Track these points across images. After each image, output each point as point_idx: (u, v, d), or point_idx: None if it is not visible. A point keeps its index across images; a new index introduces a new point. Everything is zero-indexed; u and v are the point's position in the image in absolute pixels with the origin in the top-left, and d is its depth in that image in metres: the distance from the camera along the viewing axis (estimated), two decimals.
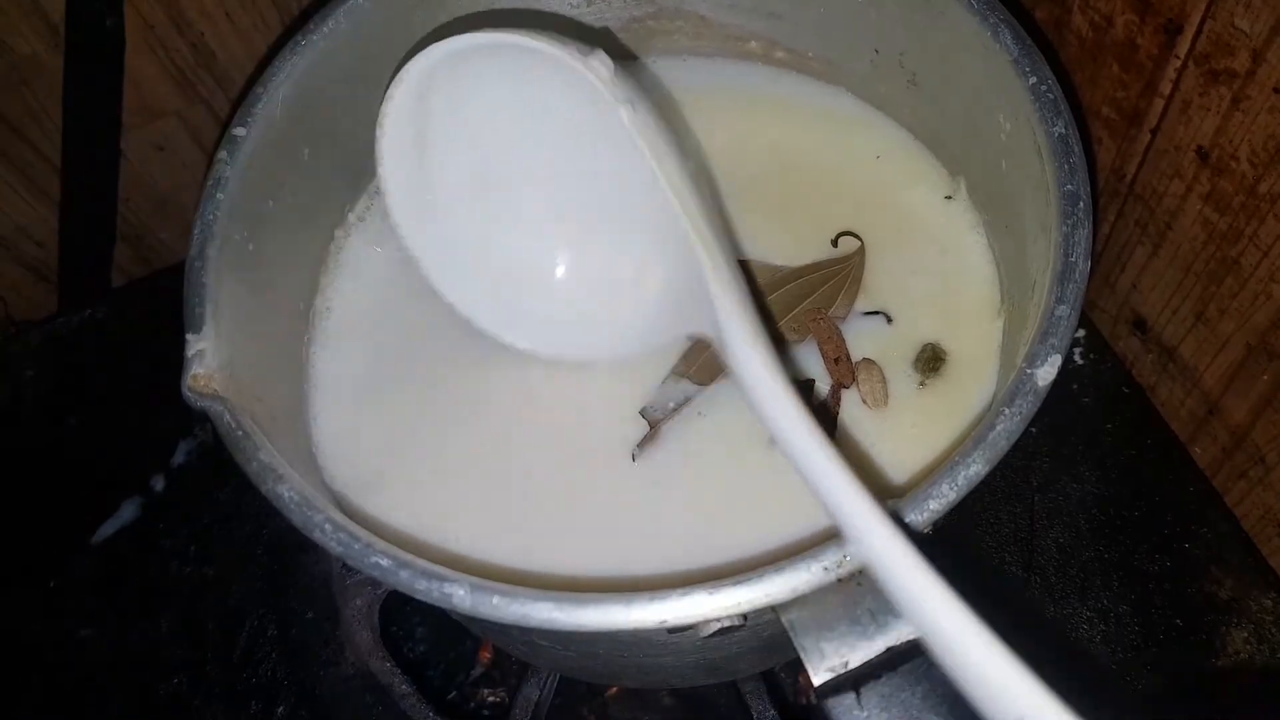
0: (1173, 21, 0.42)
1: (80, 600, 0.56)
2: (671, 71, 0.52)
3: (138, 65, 0.55)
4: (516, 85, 0.39)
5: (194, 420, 0.59)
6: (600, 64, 0.36)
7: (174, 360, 0.35)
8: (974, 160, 0.45)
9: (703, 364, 0.43)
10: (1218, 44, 0.40)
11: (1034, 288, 0.37)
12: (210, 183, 0.38)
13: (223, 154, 0.39)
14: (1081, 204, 0.35)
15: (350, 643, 0.51)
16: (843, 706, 0.28)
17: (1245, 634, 0.50)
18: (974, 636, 0.23)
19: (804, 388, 0.42)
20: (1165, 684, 0.49)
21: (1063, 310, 0.33)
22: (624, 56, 0.52)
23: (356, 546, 0.31)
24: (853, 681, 0.28)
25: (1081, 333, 0.58)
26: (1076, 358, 0.58)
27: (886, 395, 0.42)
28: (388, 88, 0.39)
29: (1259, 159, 0.41)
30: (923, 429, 0.41)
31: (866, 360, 0.43)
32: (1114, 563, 0.52)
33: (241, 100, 0.40)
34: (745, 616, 0.29)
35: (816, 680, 0.29)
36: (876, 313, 0.44)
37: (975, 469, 0.31)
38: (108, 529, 0.57)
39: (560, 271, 0.44)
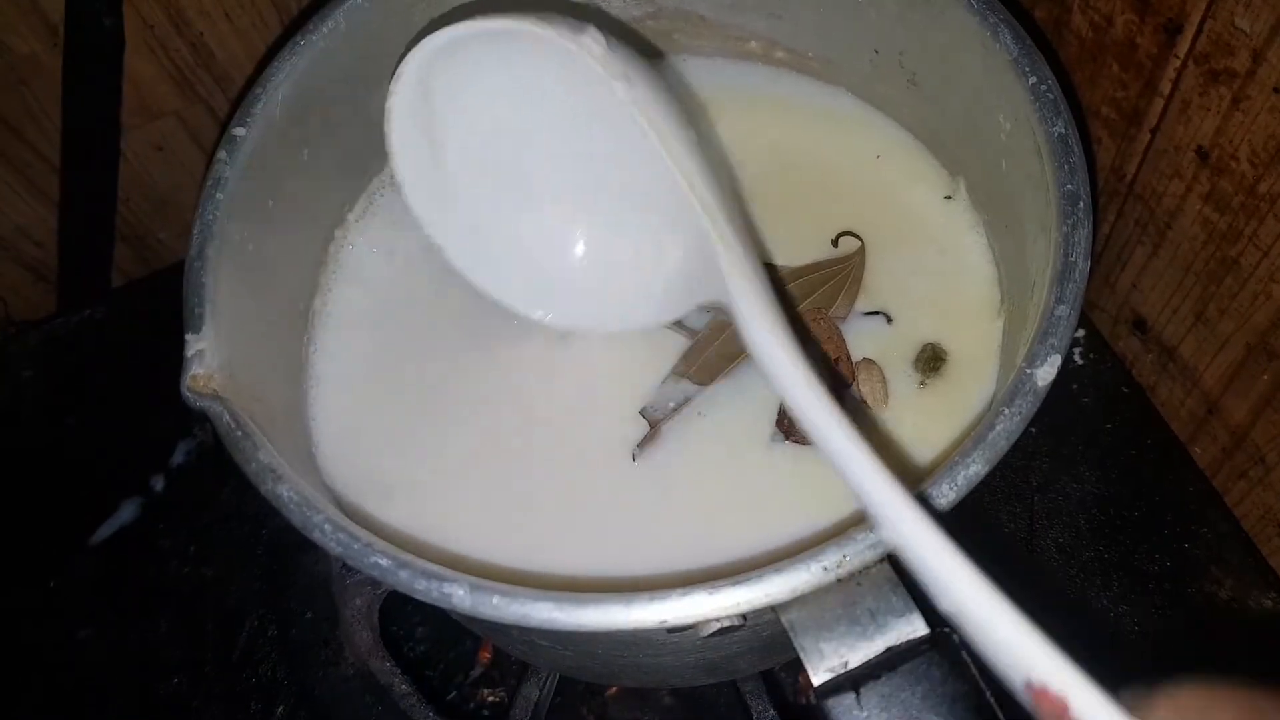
0: (1172, 21, 0.42)
1: (80, 600, 0.56)
2: (671, 71, 0.52)
3: (137, 65, 0.55)
4: (513, 70, 0.39)
5: (193, 420, 0.59)
6: (592, 40, 0.36)
7: (173, 360, 0.35)
8: (974, 160, 0.45)
9: (703, 364, 0.43)
10: (1218, 44, 0.40)
11: (1034, 287, 0.37)
12: (209, 183, 0.38)
13: (222, 154, 0.39)
14: (1081, 204, 0.35)
15: (350, 643, 0.51)
16: (842, 707, 0.28)
17: (1244, 631, 0.50)
18: (1001, 613, 0.24)
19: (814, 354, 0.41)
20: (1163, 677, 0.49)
21: (1062, 310, 0.33)
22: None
23: (356, 546, 0.31)
24: (852, 681, 0.28)
25: (1081, 333, 0.58)
26: (1076, 358, 0.58)
27: (887, 395, 0.42)
28: (390, 84, 0.39)
29: (1259, 159, 0.41)
30: (923, 429, 0.41)
31: (866, 360, 0.43)
32: (1114, 563, 0.52)
33: (241, 100, 0.40)
34: (745, 616, 0.29)
35: (816, 680, 0.29)
36: (876, 313, 0.44)
37: (975, 469, 0.31)
38: (107, 529, 0.57)
39: (580, 247, 0.44)
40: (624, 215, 0.42)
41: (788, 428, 0.41)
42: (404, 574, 0.30)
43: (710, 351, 0.43)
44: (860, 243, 0.46)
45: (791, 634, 0.29)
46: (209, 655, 0.54)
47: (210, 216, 0.38)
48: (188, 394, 0.34)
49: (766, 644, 0.38)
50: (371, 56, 0.44)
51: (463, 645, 0.54)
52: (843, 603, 0.29)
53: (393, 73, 0.39)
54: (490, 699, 0.53)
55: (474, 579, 0.30)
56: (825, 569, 0.29)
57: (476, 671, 0.53)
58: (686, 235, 0.38)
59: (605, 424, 0.42)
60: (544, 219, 0.43)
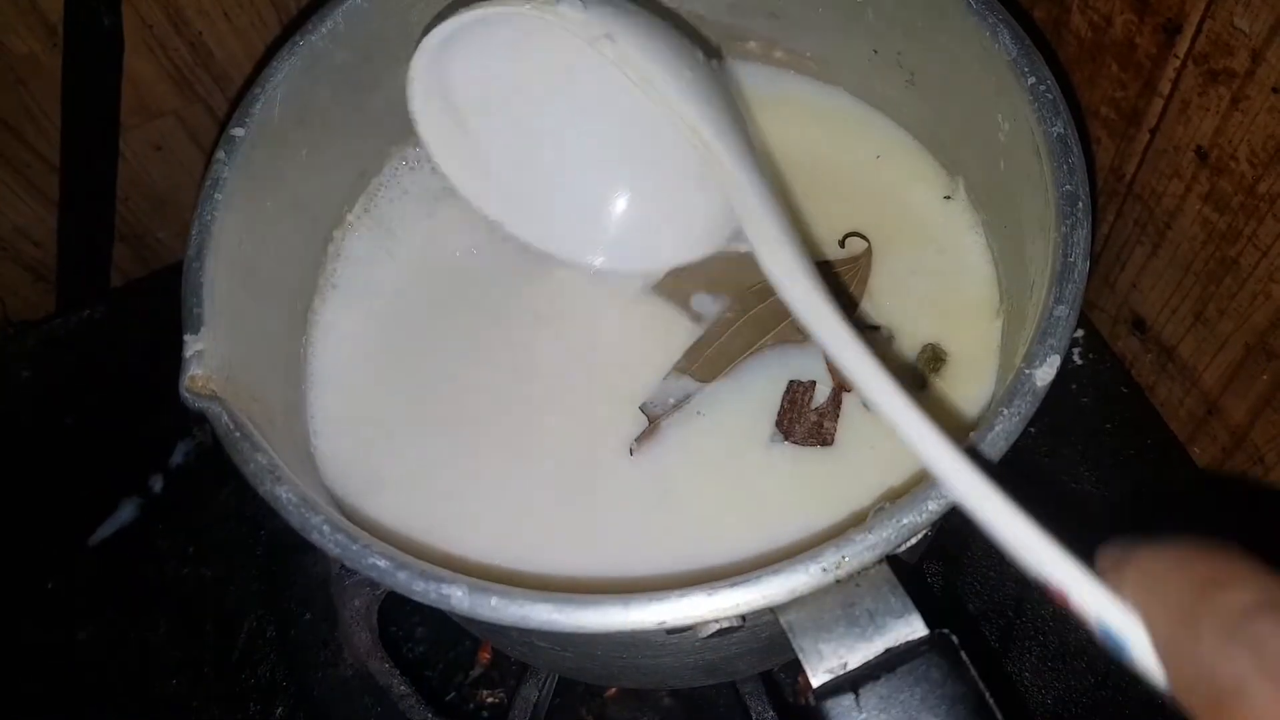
0: (1171, 21, 0.42)
1: (78, 601, 0.55)
2: None
3: (136, 65, 0.55)
4: (514, 49, 0.41)
5: (192, 421, 0.59)
6: (567, 7, 0.37)
7: (172, 361, 0.34)
8: (973, 160, 0.45)
9: (705, 361, 0.43)
10: (1217, 44, 0.40)
11: (1033, 287, 0.37)
12: (208, 183, 0.38)
13: (221, 154, 0.39)
14: (1080, 204, 0.35)
15: (349, 644, 0.51)
16: (841, 708, 0.28)
17: None
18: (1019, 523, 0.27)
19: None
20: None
21: (1061, 310, 0.33)
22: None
23: (354, 547, 0.31)
24: (851, 683, 0.28)
25: (1080, 333, 0.58)
26: (1075, 358, 0.58)
27: None
28: (406, 88, 0.41)
29: (1258, 159, 0.41)
30: None
31: None
32: None
33: (239, 100, 0.40)
34: (744, 617, 0.29)
35: (815, 681, 0.29)
36: (876, 328, 0.44)
37: None
38: (106, 530, 0.57)
39: (613, 197, 0.47)
40: (648, 160, 0.45)
41: (787, 428, 0.41)
42: (402, 575, 0.30)
43: (713, 349, 0.43)
44: (868, 244, 0.46)
45: (790, 635, 0.29)
46: (208, 656, 0.54)
47: (209, 217, 0.38)
48: (186, 394, 0.34)
49: (765, 645, 0.38)
50: (370, 57, 0.44)
51: (462, 646, 0.54)
52: (841, 604, 0.29)
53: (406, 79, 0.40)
54: (489, 700, 0.53)
55: (472, 580, 0.30)
56: (824, 570, 0.29)
57: (475, 672, 0.53)
58: (702, 172, 0.38)
59: (604, 422, 0.42)
60: (575, 175, 0.46)
